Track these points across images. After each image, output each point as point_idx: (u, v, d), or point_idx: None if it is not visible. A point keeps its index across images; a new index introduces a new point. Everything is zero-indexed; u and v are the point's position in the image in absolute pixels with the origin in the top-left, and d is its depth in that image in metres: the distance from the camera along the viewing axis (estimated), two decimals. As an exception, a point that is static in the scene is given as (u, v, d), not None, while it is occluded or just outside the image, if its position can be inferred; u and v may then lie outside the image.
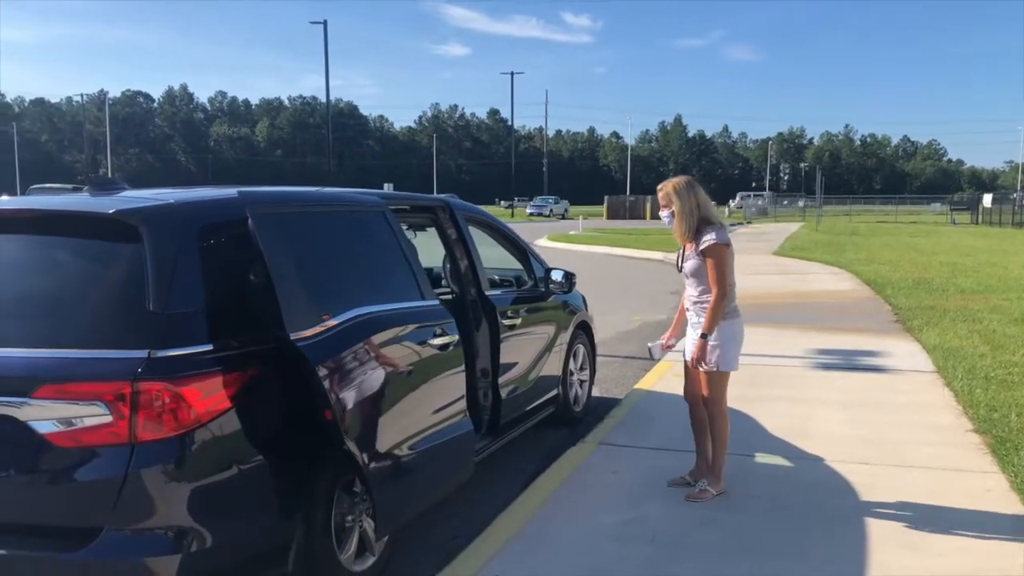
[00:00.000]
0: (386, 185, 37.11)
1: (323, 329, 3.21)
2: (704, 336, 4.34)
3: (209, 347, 2.95)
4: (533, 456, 5.69)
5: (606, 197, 67.88)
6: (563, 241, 30.10)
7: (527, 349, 5.53)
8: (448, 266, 5.11)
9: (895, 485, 4.76)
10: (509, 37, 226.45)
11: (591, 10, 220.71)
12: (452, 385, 4.04)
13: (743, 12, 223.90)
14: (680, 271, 4.55)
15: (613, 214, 63.18)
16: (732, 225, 45.06)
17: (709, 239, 4.32)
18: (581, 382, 6.59)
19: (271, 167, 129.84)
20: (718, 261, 4.31)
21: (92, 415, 2.77)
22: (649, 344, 4.98)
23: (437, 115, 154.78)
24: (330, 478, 3.42)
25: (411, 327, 3.78)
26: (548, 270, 5.93)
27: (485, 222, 5.62)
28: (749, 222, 50.98)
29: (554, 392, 6.03)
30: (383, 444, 3.39)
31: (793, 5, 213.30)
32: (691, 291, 4.50)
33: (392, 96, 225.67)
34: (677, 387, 7.10)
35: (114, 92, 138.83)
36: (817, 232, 35.61)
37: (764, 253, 23.14)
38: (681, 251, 4.54)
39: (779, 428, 5.93)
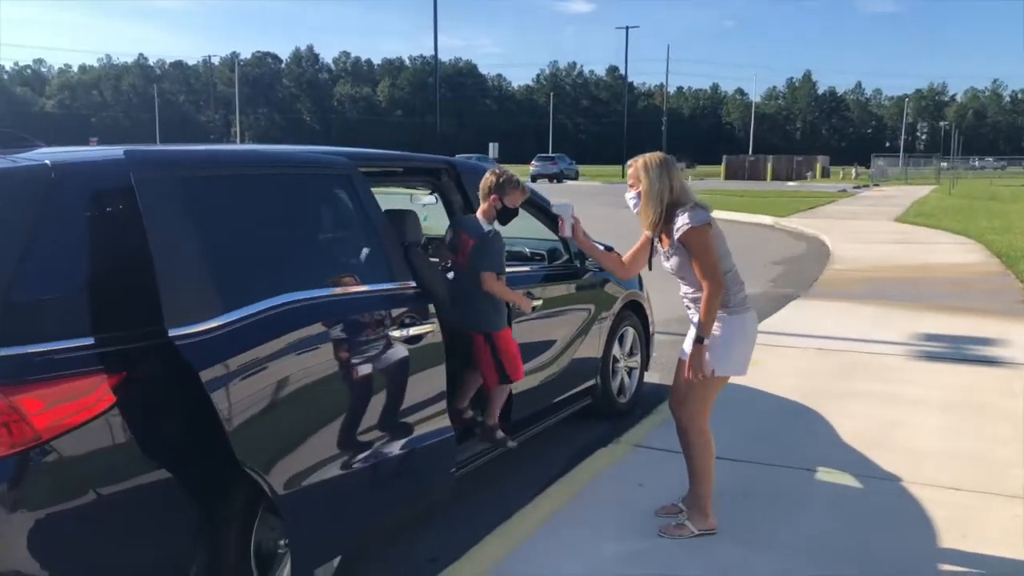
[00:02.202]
0: (491, 146, 36.49)
1: (222, 324, 2.60)
2: (701, 340, 3.49)
3: (61, 345, 2.38)
4: (560, 455, 4.98)
5: (724, 157, 65.32)
6: (669, 203, 28.80)
7: (551, 333, 4.79)
8: (450, 238, 4.42)
9: (989, 524, 3.81)
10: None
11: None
12: (424, 384, 3.38)
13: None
14: (651, 268, 3.79)
15: (731, 174, 60.74)
16: (856, 188, 42.36)
17: (683, 224, 3.44)
18: (630, 370, 5.81)
19: (391, 127, 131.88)
20: (701, 248, 3.43)
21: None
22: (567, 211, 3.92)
23: (555, 73, 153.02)
24: (245, 499, 2.82)
25: (362, 316, 3.13)
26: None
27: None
28: (876, 184, 47.78)
29: (591, 382, 5.28)
30: (301, 464, 2.77)
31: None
32: (685, 288, 3.66)
33: (513, 55, 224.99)
34: (751, 375, 6.21)
35: (245, 54, 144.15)
36: (950, 196, 32.85)
37: (885, 219, 21.36)
38: (653, 246, 3.70)
39: (856, 435, 5.00)
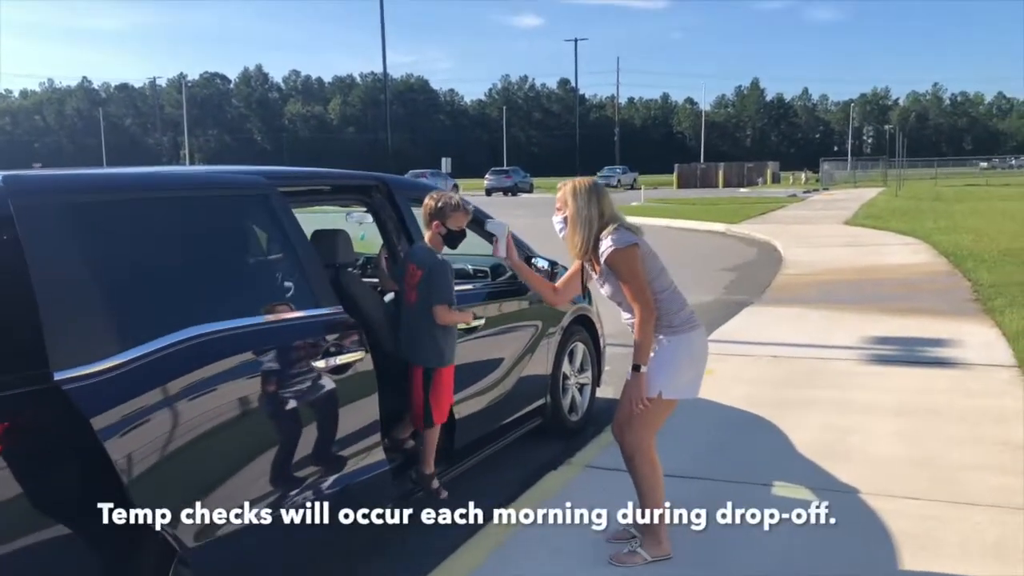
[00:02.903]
0: (444, 161, 36.33)
1: (118, 364, 2.37)
2: (637, 368, 3.32)
3: (-70, 395, 2.13)
4: (511, 479, 4.79)
5: (676, 165, 65.87)
6: (623, 213, 28.80)
7: (497, 352, 4.62)
8: (384, 260, 4.22)
9: (947, 533, 3.70)
10: (583, 6, 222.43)
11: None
12: (353, 417, 3.18)
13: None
14: (584, 294, 3.62)
15: (684, 183, 61.19)
16: (806, 192, 42.95)
17: (607, 248, 3.32)
18: (581, 386, 5.65)
19: (344, 144, 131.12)
20: (627, 270, 3.29)
21: None
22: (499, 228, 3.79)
23: (507, 87, 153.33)
24: (156, 552, 2.58)
25: (282, 347, 2.92)
26: (528, 259, 4.98)
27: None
28: (825, 188, 48.53)
29: (539, 402, 5.11)
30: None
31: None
32: (625, 315, 3.51)
33: (465, 69, 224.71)
34: (704, 386, 6.07)
35: (193, 75, 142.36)
36: (897, 198, 33.42)
37: (834, 223, 21.60)
38: (584, 272, 3.58)
39: (811, 445, 4.88)
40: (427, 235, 3.88)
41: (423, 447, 3.93)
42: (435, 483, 3.97)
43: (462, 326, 4.25)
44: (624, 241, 3.28)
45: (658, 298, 3.34)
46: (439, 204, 3.83)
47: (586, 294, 5.73)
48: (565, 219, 3.41)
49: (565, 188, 3.43)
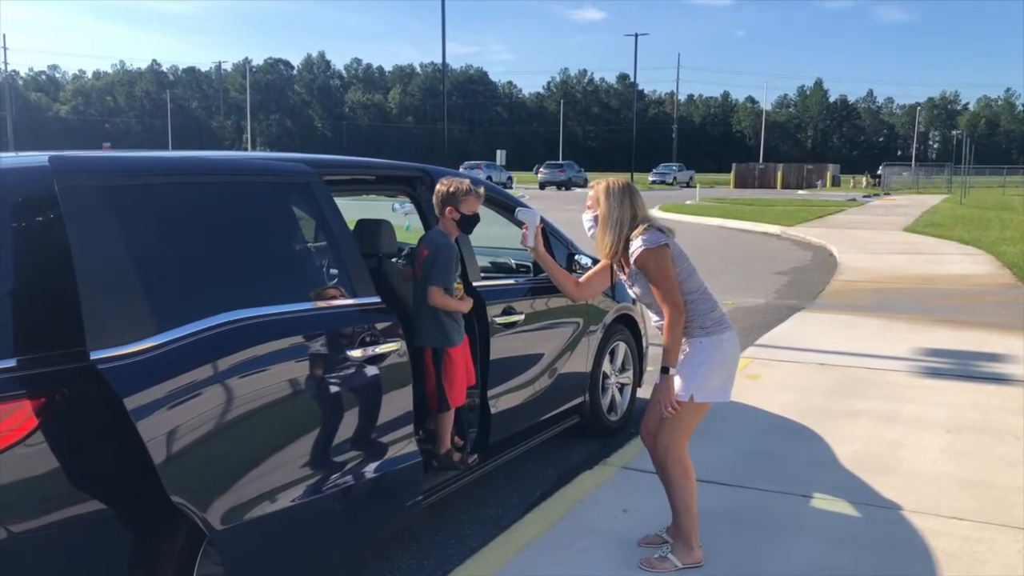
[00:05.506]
0: (499, 153, 36.33)
1: (153, 346, 2.40)
2: (666, 370, 3.26)
3: (-32, 370, 2.18)
4: (547, 477, 4.77)
5: (734, 165, 64.99)
6: (675, 211, 28.47)
7: (535, 349, 4.58)
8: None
9: (993, 557, 3.57)
10: (646, 0, 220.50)
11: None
12: (387, 407, 3.17)
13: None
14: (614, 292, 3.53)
15: (741, 183, 60.37)
16: (866, 196, 42.02)
17: (636, 248, 3.26)
18: (621, 386, 5.59)
19: (402, 133, 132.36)
20: (657, 270, 3.23)
21: None
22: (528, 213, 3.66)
23: (566, 80, 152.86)
24: (185, 532, 2.62)
25: (316, 335, 2.93)
26: (571, 255, 4.94)
27: (489, 197, 4.67)
28: (887, 193, 47.37)
29: (578, 400, 5.06)
30: (243, 497, 2.57)
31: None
32: (655, 318, 3.45)
33: (525, 62, 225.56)
34: (748, 392, 6.02)
35: (257, 60, 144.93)
36: (961, 206, 32.46)
37: (894, 229, 21.03)
38: (613, 271, 3.51)
39: (856, 457, 4.76)
40: (441, 220, 3.88)
41: (437, 429, 3.93)
42: (456, 455, 3.97)
43: (502, 320, 4.25)
44: (654, 241, 3.23)
45: (688, 300, 3.29)
46: (451, 189, 3.82)
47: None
48: (596, 218, 3.37)
49: (598, 187, 3.39)
